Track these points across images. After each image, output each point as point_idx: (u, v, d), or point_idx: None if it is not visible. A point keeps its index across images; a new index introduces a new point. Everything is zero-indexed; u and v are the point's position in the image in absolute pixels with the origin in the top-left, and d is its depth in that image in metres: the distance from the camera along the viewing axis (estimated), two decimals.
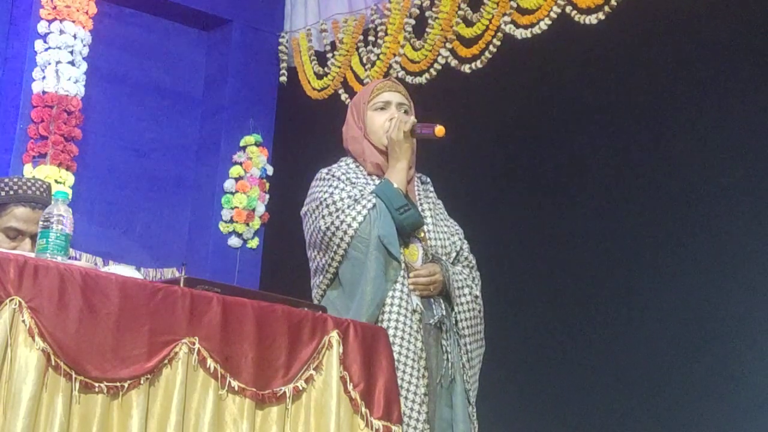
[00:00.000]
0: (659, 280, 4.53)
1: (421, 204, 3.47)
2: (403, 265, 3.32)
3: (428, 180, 3.62)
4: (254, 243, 6.07)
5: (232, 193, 6.04)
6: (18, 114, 5.46)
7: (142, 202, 6.00)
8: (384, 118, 3.48)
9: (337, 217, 3.32)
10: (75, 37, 5.53)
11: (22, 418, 2.30)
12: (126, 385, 2.47)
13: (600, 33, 4.71)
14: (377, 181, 3.44)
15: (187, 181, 6.17)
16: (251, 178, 6.06)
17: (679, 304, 4.44)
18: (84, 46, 5.58)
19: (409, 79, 5.44)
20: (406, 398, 3.19)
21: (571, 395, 4.69)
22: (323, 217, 3.34)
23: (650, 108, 4.71)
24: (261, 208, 6.08)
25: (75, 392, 2.40)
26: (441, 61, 5.39)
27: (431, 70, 5.43)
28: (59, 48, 5.49)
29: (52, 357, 2.38)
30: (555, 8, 4.87)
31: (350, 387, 2.79)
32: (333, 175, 3.43)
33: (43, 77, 5.47)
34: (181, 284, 2.63)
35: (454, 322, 3.39)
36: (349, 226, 3.30)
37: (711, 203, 4.42)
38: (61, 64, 5.49)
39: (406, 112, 3.51)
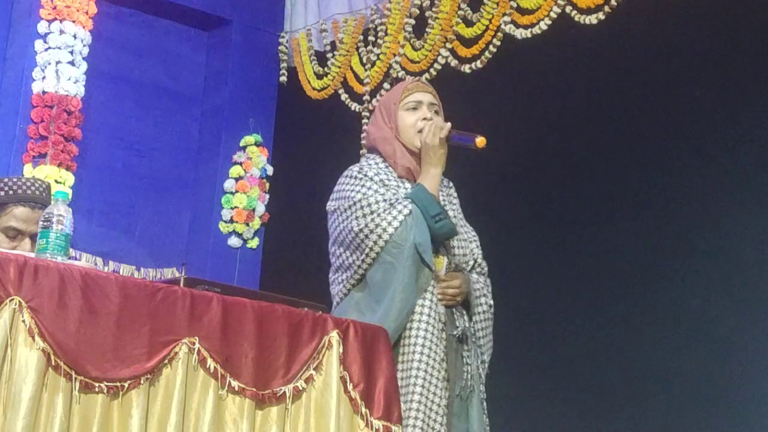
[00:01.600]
0: (672, 282, 4.52)
1: (446, 210, 3.45)
2: (433, 274, 3.31)
3: (451, 184, 3.58)
4: (254, 243, 6.07)
5: (232, 193, 6.04)
6: (18, 114, 5.46)
7: (142, 202, 6.00)
8: (415, 117, 3.46)
9: (372, 220, 3.28)
10: (75, 37, 5.53)
11: (22, 418, 2.31)
12: (126, 385, 2.47)
13: (600, 33, 4.71)
14: (407, 185, 3.41)
15: (187, 181, 6.17)
16: (251, 178, 6.06)
17: (691, 306, 4.43)
18: (84, 46, 5.58)
19: (409, 79, 5.43)
20: (430, 409, 3.18)
21: (581, 399, 4.67)
22: (357, 218, 3.30)
23: (651, 108, 4.70)
24: (261, 208, 6.08)
25: (75, 392, 2.40)
26: (441, 61, 5.39)
27: (431, 70, 5.43)
28: (59, 48, 5.49)
29: (52, 357, 2.38)
30: (555, 8, 4.87)
31: (350, 387, 2.79)
32: (365, 175, 3.39)
33: (43, 77, 5.47)
34: (181, 284, 2.64)
35: (472, 332, 3.39)
36: (384, 230, 3.27)
37: (717, 203, 4.41)
38: (61, 64, 5.49)
39: (436, 112, 3.50)
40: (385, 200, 3.32)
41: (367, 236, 3.28)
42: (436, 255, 3.35)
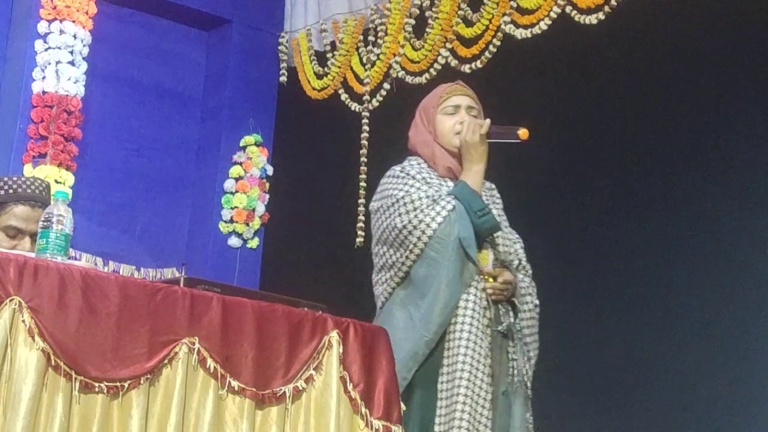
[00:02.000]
0: (674, 282, 4.51)
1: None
2: (478, 269, 3.32)
3: (494, 186, 3.60)
4: (254, 243, 6.07)
5: (232, 193, 6.04)
6: (18, 114, 5.46)
7: (142, 202, 6.00)
8: (454, 121, 3.49)
9: (416, 216, 3.31)
10: (75, 37, 5.53)
11: (22, 418, 2.30)
12: (126, 385, 2.47)
13: (600, 33, 4.71)
14: (449, 183, 3.43)
15: (187, 181, 6.17)
16: (251, 178, 6.06)
17: (693, 306, 4.42)
18: (84, 46, 5.57)
19: (409, 79, 5.44)
20: (476, 402, 3.19)
21: (582, 398, 4.66)
22: (400, 215, 3.33)
23: (651, 108, 4.71)
24: (261, 208, 6.07)
25: (75, 392, 2.40)
26: (441, 61, 5.38)
27: (431, 70, 5.43)
28: (59, 48, 5.48)
29: (52, 357, 2.38)
30: (555, 8, 4.87)
31: (350, 387, 2.79)
32: (407, 174, 3.43)
33: (43, 77, 5.47)
34: (181, 284, 2.64)
35: (518, 329, 3.39)
36: (428, 226, 3.29)
37: (718, 203, 4.41)
38: (61, 64, 5.48)
39: (475, 116, 3.51)
40: (427, 197, 3.35)
41: (410, 232, 3.30)
42: (480, 250, 3.37)
